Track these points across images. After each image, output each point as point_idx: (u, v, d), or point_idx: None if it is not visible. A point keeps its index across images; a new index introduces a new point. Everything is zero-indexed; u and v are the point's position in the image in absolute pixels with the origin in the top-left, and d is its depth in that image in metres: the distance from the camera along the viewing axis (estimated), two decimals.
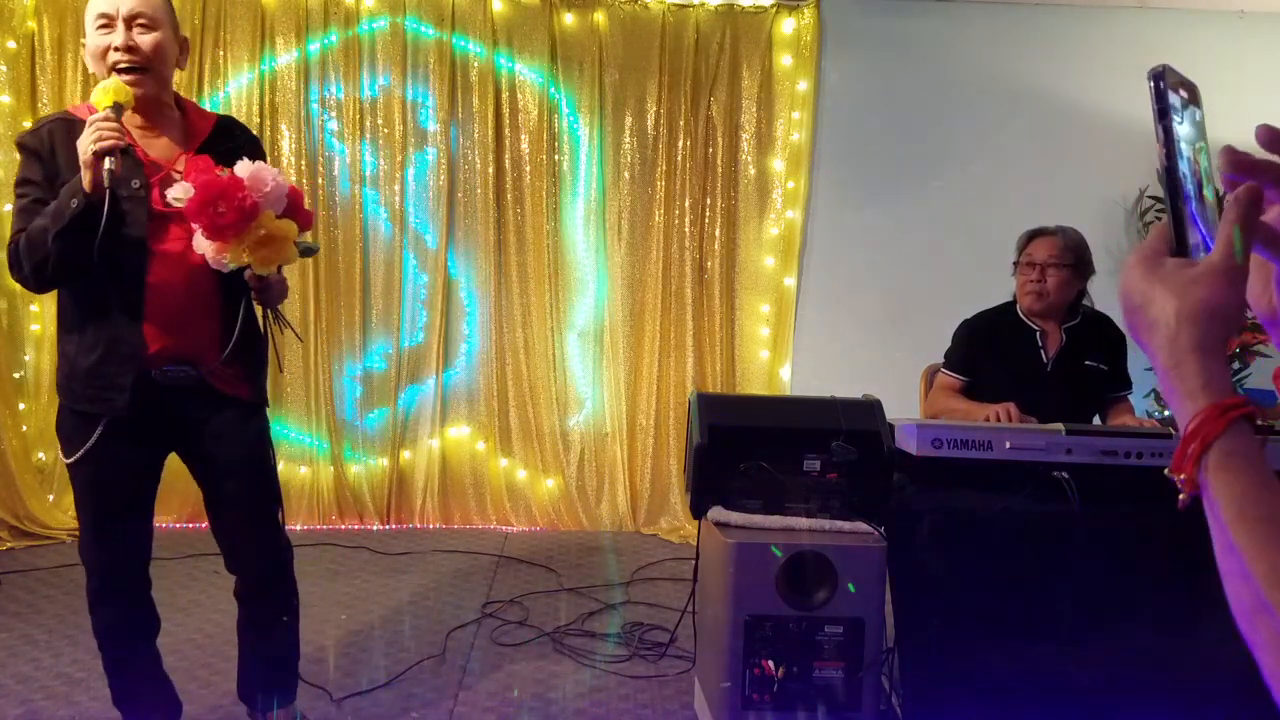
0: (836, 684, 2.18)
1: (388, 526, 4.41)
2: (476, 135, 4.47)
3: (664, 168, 4.53)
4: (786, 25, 4.52)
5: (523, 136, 4.50)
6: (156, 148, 1.98)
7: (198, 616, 3.17)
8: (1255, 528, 0.59)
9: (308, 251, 2.01)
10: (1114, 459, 2.19)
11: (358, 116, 4.39)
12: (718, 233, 4.57)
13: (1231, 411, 0.62)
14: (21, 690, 2.59)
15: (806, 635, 2.17)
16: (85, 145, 1.75)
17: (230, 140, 2.05)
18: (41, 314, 4.35)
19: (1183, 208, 0.68)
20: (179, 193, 1.84)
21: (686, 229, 4.54)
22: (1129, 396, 2.94)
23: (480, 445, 4.53)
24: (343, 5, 4.37)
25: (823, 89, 4.56)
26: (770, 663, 2.17)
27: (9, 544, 3.84)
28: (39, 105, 4.30)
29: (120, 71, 1.87)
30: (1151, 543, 2.19)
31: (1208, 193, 0.70)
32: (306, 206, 2.01)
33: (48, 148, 1.91)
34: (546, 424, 4.54)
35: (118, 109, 1.79)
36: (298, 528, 4.26)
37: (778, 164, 4.57)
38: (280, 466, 2.96)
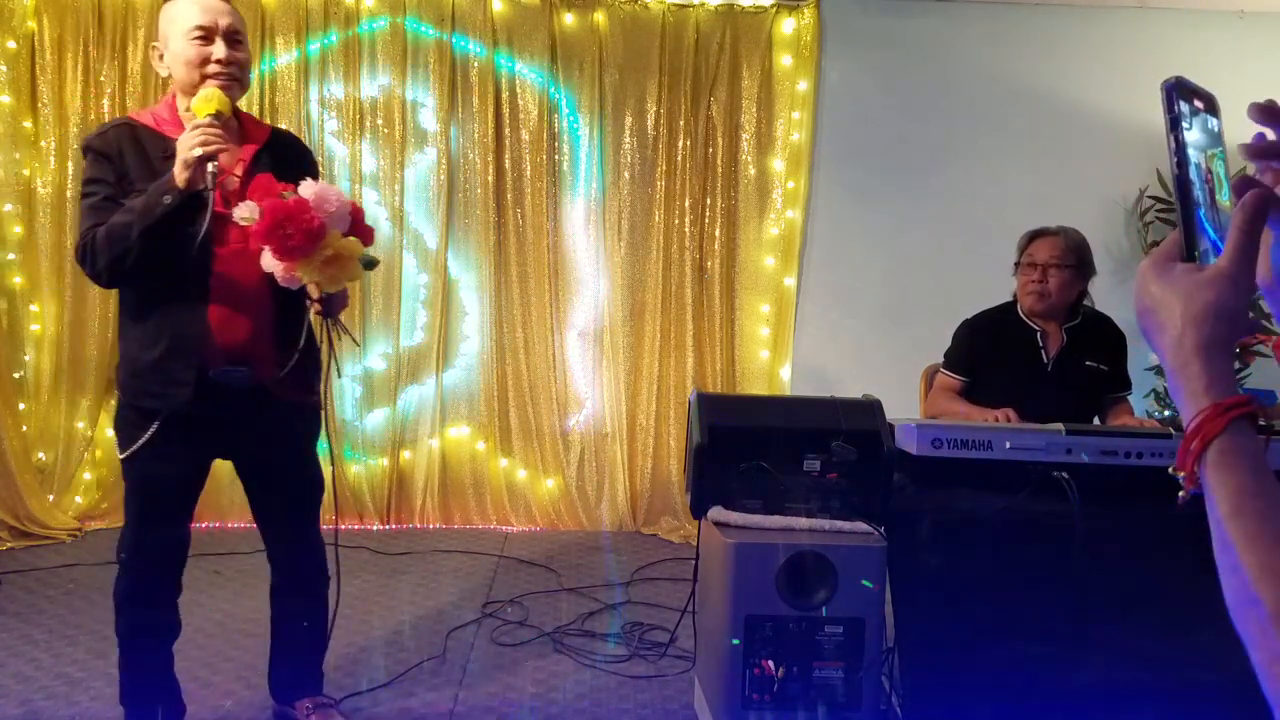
0: (836, 684, 2.18)
1: (388, 526, 4.41)
2: (476, 135, 4.47)
3: (664, 168, 4.52)
4: (786, 25, 4.52)
5: (523, 136, 4.50)
6: (219, 155, 2.05)
7: (198, 616, 3.17)
8: (1247, 523, 0.61)
9: (370, 265, 2.06)
10: (1114, 459, 2.19)
11: (358, 116, 4.39)
12: (718, 233, 4.57)
13: (1232, 411, 0.64)
14: (21, 690, 2.60)
15: (806, 635, 2.17)
16: (187, 147, 1.84)
17: (284, 150, 2.15)
18: (41, 314, 4.35)
19: (1192, 214, 0.70)
20: (245, 212, 1.91)
21: (686, 229, 4.54)
22: (1129, 397, 2.94)
23: (480, 445, 4.53)
24: (343, 5, 4.37)
25: (823, 89, 4.55)
26: (770, 663, 2.17)
27: (9, 544, 3.84)
28: (39, 105, 4.30)
29: (222, 79, 1.98)
30: (1151, 543, 2.19)
31: (1223, 198, 0.72)
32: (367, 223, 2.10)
33: (116, 150, 1.99)
34: (546, 424, 4.54)
35: (219, 117, 1.91)
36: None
37: (778, 164, 4.57)
38: None
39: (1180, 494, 0.67)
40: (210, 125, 1.86)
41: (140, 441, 2.00)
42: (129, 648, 2.14)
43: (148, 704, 2.19)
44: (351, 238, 1.95)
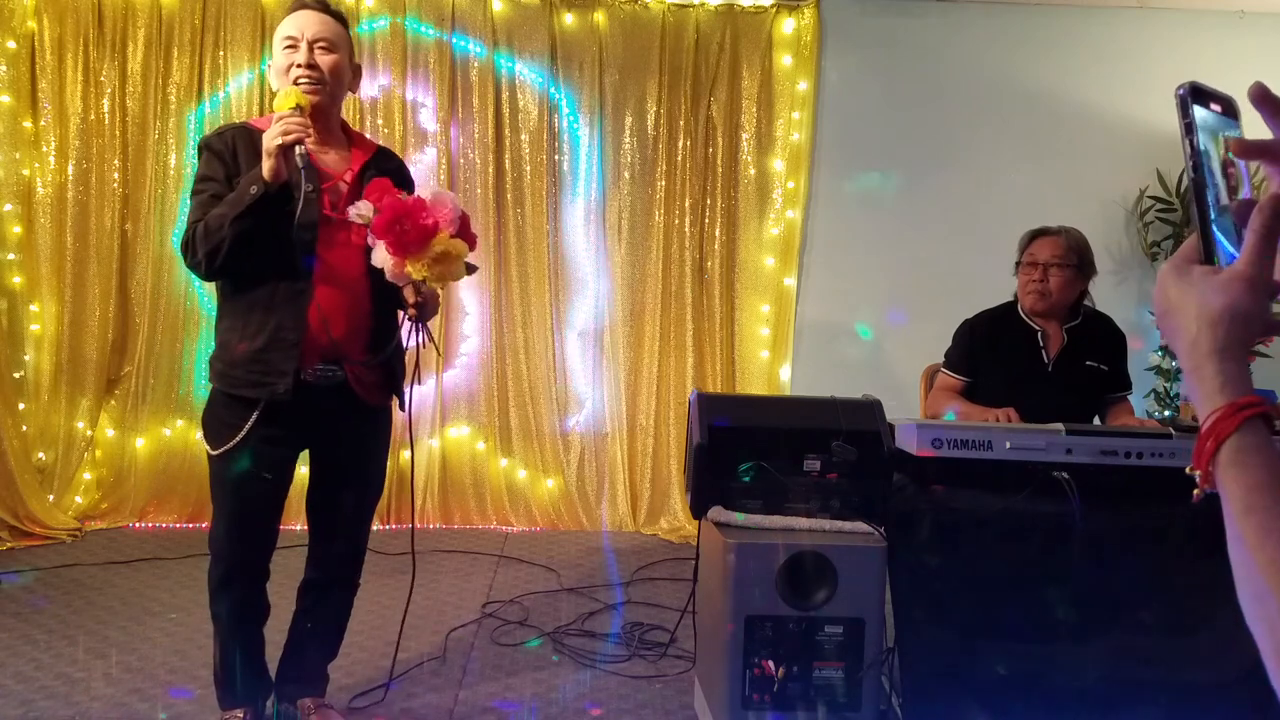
0: (836, 684, 2.18)
1: (388, 526, 4.40)
2: (476, 135, 4.47)
3: (664, 168, 4.52)
4: (786, 25, 4.52)
5: (523, 136, 4.50)
6: (326, 161, 2.13)
7: (198, 616, 3.16)
8: (1260, 520, 0.62)
9: (471, 269, 2.12)
10: (1114, 459, 2.19)
11: (358, 116, 4.39)
12: (718, 233, 4.57)
13: (1245, 410, 0.65)
14: (21, 690, 2.59)
15: (806, 635, 2.17)
16: (271, 137, 1.91)
17: (388, 164, 2.23)
18: (41, 314, 4.35)
19: (1208, 218, 0.70)
20: (362, 209, 1.99)
21: (686, 229, 4.54)
22: (1129, 397, 2.94)
23: (480, 445, 4.53)
24: (343, 5, 4.37)
25: (823, 89, 4.56)
26: (770, 663, 2.17)
27: (9, 544, 3.84)
28: (39, 105, 4.30)
29: (304, 82, 2.05)
30: (1151, 543, 2.19)
31: (1239, 198, 0.73)
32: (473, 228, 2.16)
33: (230, 151, 2.06)
34: (546, 424, 4.54)
35: (300, 110, 1.97)
36: (297, 528, 4.25)
37: (778, 164, 4.57)
38: None
39: (1195, 492, 0.68)
40: (291, 116, 1.93)
41: (241, 433, 2.05)
42: (223, 631, 2.21)
43: (237, 682, 2.25)
44: (459, 239, 2.02)
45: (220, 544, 2.15)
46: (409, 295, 2.10)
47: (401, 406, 2.33)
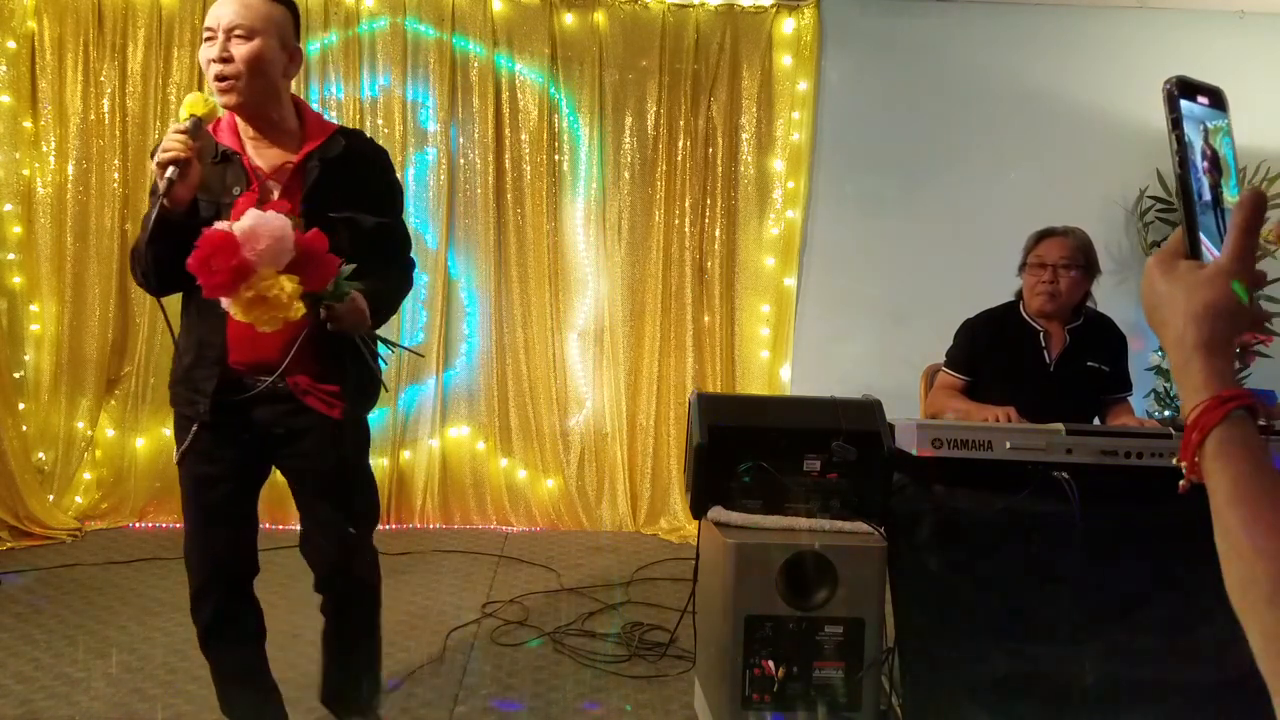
0: (836, 684, 2.18)
1: (388, 526, 4.40)
2: (476, 135, 4.47)
3: (664, 168, 4.52)
4: (786, 25, 4.52)
5: (523, 136, 4.50)
6: (268, 157, 1.97)
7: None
8: (1245, 510, 0.64)
9: (335, 296, 1.83)
10: (1114, 459, 2.19)
11: (358, 116, 4.39)
12: (718, 233, 4.57)
13: (1230, 403, 0.67)
14: (21, 690, 2.59)
15: (806, 635, 2.17)
16: (155, 156, 1.78)
17: (346, 153, 2.01)
18: (41, 314, 4.35)
19: (1194, 213, 0.72)
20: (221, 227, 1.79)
21: (686, 229, 4.54)
22: (1129, 398, 2.94)
23: (480, 445, 4.53)
24: (343, 5, 4.37)
25: (823, 89, 4.55)
26: (770, 663, 2.17)
27: (9, 544, 3.84)
28: (39, 105, 4.30)
29: (217, 80, 1.88)
30: (1151, 543, 2.19)
31: (1230, 191, 0.74)
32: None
33: None
34: (546, 424, 4.54)
35: (194, 121, 1.81)
36: (297, 528, 4.25)
37: (778, 164, 4.57)
38: None
39: (1181, 483, 0.70)
40: (176, 131, 1.77)
41: (182, 447, 2.00)
42: (205, 650, 2.11)
43: (241, 711, 2.16)
44: (289, 276, 1.72)
45: (189, 556, 2.07)
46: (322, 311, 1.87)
47: (357, 415, 2.12)
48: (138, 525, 4.26)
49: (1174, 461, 0.70)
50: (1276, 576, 0.61)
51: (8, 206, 4.29)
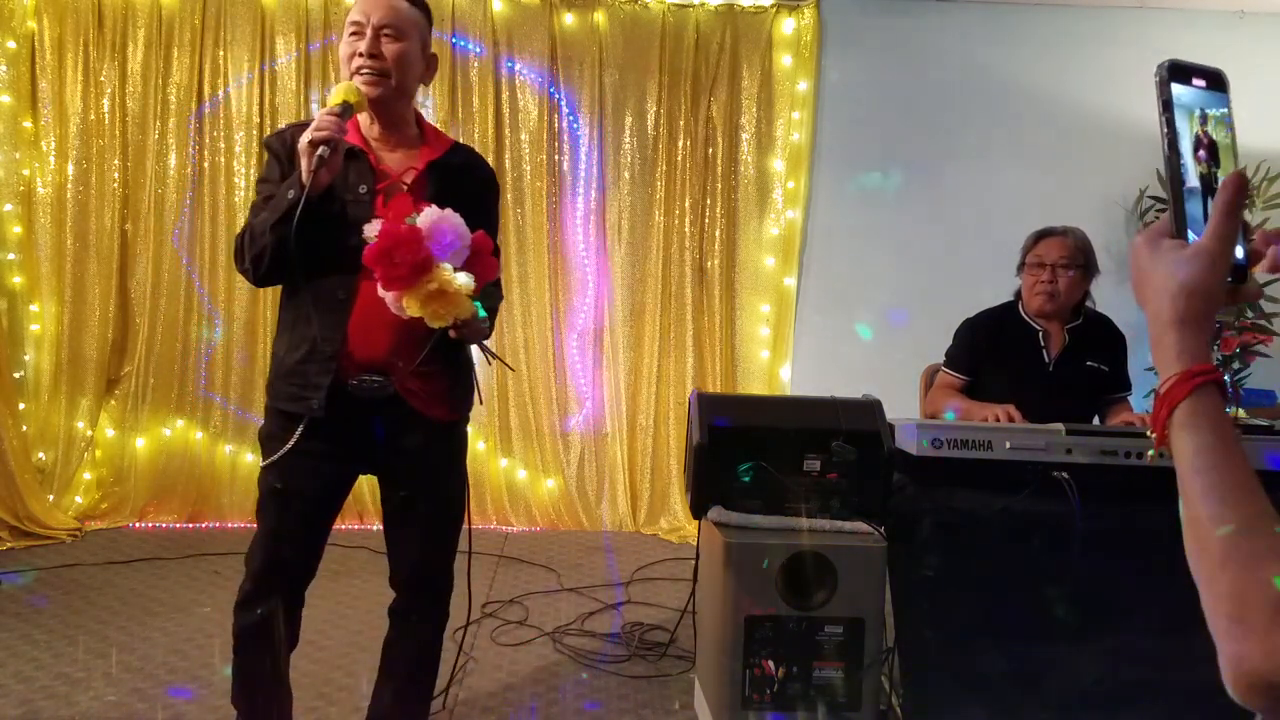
0: (836, 684, 2.18)
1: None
2: (476, 135, 4.47)
3: (664, 168, 4.53)
4: (786, 25, 4.52)
5: (523, 136, 4.50)
6: (391, 160, 1.98)
7: (197, 616, 3.17)
8: (1204, 479, 0.68)
9: (482, 327, 1.92)
10: (1114, 459, 2.19)
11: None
12: (718, 233, 4.57)
13: (1198, 378, 0.70)
14: (21, 690, 2.59)
15: (806, 635, 2.17)
16: (304, 136, 1.77)
17: (460, 166, 2.04)
18: (41, 314, 4.35)
19: (1180, 193, 0.74)
20: (371, 231, 1.80)
21: (686, 229, 4.54)
22: (1128, 398, 2.94)
23: (480, 445, 4.53)
24: (343, 5, 4.37)
25: (823, 89, 4.56)
26: (770, 663, 2.17)
27: (9, 544, 3.84)
28: (39, 105, 4.30)
29: (363, 74, 1.89)
30: (1151, 543, 2.19)
31: (1221, 172, 0.76)
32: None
33: (287, 150, 1.92)
34: (546, 424, 4.54)
35: (345, 108, 1.82)
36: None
37: (778, 164, 4.57)
38: None
39: (1150, 454, 0.78)
40: (329, 113, 1.78)
41: (286, 448, 1.93)
42: (239, 650, 2.05)
43: (253, 710, 2.11)
44: (464, 275, 1.79)
45: (251, 558, 2.01)
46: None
47: (459, 418, 2.16)
48: (138, 525, 4.26)
49: (1146, 433, 0.75)
50: (1228, 542, 0.64)
51: (8, 206, 4.29)
